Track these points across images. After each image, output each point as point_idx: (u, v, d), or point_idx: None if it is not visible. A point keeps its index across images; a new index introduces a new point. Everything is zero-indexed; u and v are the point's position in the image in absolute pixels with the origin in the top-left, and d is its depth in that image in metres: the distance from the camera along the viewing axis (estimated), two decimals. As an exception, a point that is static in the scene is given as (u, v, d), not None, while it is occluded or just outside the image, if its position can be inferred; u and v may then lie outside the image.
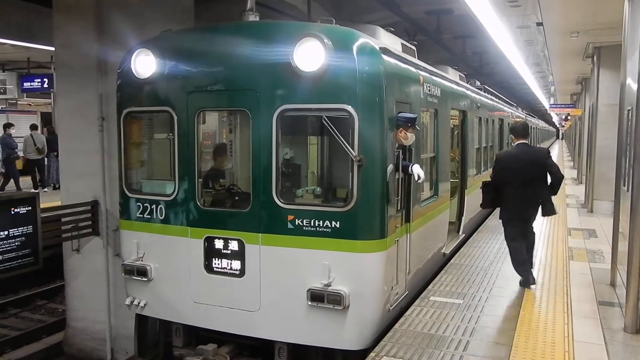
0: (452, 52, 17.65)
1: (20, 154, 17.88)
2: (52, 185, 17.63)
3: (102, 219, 9.73)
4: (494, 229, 11.08)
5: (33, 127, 18.10)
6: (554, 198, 7.14)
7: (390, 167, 5.64)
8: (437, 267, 8.16)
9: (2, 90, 20.76)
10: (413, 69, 6.80)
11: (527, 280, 7.12)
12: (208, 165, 6.80)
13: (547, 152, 7.22)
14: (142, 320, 6.76)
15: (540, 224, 11.67)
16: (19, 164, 17.79)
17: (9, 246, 7.80)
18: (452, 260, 8.57)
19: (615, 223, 7.52)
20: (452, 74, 10.59)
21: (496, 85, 23.79)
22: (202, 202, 6.16)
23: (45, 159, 17.63)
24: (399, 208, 6.03)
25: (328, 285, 5.42)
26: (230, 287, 5.92)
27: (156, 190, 6.52)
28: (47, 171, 17.82)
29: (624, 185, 7.23)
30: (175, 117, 6.14)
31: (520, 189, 6.95)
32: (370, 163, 5.41)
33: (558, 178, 6.92)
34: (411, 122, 5.96)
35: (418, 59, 7.73)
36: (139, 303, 6.49)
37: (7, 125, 17.39)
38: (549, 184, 6.96)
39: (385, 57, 5.71)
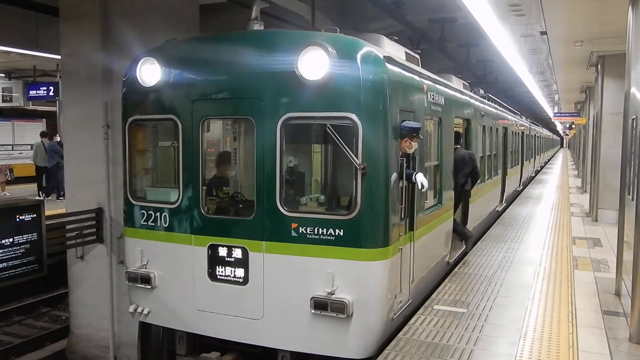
0: (456, 60, 17.71)
1: (29, 161, 17.97)
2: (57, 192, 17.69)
3: (106, 226, 9.75)
4: (498, 238, 11.06)
5: (43, 135, 18.20)
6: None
7: (394, 176, 5.64)
8: (441, 275, 8.14)
9: (8, 98, 20.88)
10: (417, 78, 6.81)
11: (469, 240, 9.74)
12: (212, 173, 6.82)
13: (473, 153, 9.96)
14: (145, 328, 6.76)
15: (545, 233, 11.66)
16: (29, 171, 17.86)
17: (13, 253, 7.82)
18: (456, 269, 8.55)
19: (620, 232, 7.50)
20: (456, 82, 10.61)
21: (500, 94, 23.82)
22: (206, 210, 6.18)
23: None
24: (402, 216, 6.03)
25: (331, 293, 5.41)
26: (233, 295, 5.92)
27: (160, 198, 6.54)
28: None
29: (629, 194, 7.20)
30: (180, 125, 6.17)
31: (461, 181, 9.23)
32: (374, 171, 5.41)
33: (477, 173, 9.74)
34: (415, 132, 5.98)
35: (422, 67, 7.75)
36: (142, 310, 6.49)
37: (47, 134, 17.41)
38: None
39: (389, 65, 5.73)
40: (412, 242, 6.35)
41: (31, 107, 22.47)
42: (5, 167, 18.50)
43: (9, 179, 18.39)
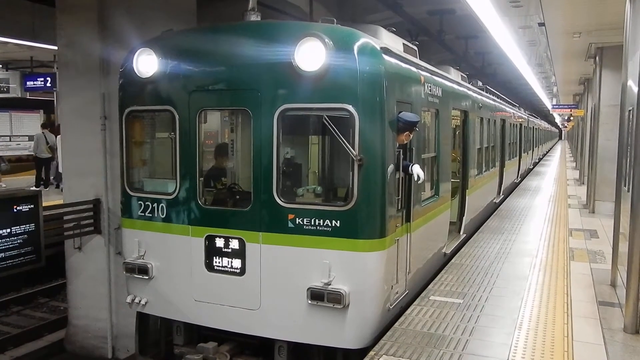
0: (454, 52, 17.67)
1: (27, 152, 17.95)
2: (57, 184, 17.68)
3: (104, 217, 9.77)
4: (495, 230, 11.10)
5: (44, 126, 18.17)
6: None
7: (390, 167, 5.65)
8: (437, 266, 8.17)
9: (5, 89, 20.85)
10: (414, 69, 6.81)
11: None
12: (209, 164, 6.82)
13: None
14: (143, 318, 6.79)
15: (542, 225, 11.70)
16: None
17: (11, 244, 7.84)
18: (452, 260, 8.58)
19: (615, 224, 7.52)
20: (454, 74, 10.59)
21: (499, 86, 23.80)
22: (203, 201, 6.19)
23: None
24: (399, 207, 6.04)
25: (328, 284, 5.43)
26: (230, 286, 5.95)
27: (158, 189, 6.55)
28: (56, 170, 17.84)
29: (625, 186, 7.23)
30: (177, 116, 6.17)
31: None
32: (371, 162, 5.42)
33: None
34: (413, 126, 5.99)
35: (420, 59, 7.74)
36: (140, 301, 6.52)
37: (48, 125, 17.33)
38: None
39: (386, 57, 5.72)
40: (408, 234, 6.37)
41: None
42: None
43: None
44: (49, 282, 14.03)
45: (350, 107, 5.34)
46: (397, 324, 5.89)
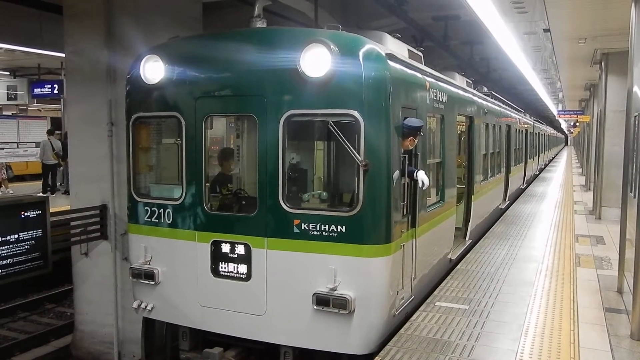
0: (459, 58, 17.69)
1: (33, 158, 18.03)
2: (67, 190, 17.75)
3: (110, 223, 9.82)
4: (501, 236, 11.07)
5: (50, 133, 18.28)
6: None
7: (396, 173, 5.66)
8: (443, 272, 8.16)
9: (12, 96, 20.99)
10: (419, 75, 6.83)
11: None
12: (215, 170, 6.85)
13: None
14: (149, 324, 6.81)
15: (548, 231, 11.66)
16: (36, 168, 17.89)
17: (18, 250, 7.88)
18: (458, 266, 8.56)
19: (622, 230, 7.50)
20: (459, 80, 10.60)
21: (504, 92, 23.76)
22: (209, 207, 6.21)
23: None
24: (404, 213, 6.05)
25: (334, 289, 5.44)
26: (236, 291, 5.96)
27: (164, 195, 6.58)
28: (63, 176, 17.92)
29: (631, 192, 7.22)
30: (183, 122, 6.20)
31: None
32: (376, 168, 5.43)
33: None
34: (417, 131, 6.01)
35: (425, 65, 7.76)
36: (146, 306, 6.54)
37: (53, 131, 17.44)
38: None
39: (391, 63, 5.74)
40: (414, 239, 6.37)
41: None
42: (2, 165, 18.52)
43: (5, 176, 18.39)
44: (56, 287, 14.07)
45: (355, 113, 5.37)
46: (402, 329, 5.88)
